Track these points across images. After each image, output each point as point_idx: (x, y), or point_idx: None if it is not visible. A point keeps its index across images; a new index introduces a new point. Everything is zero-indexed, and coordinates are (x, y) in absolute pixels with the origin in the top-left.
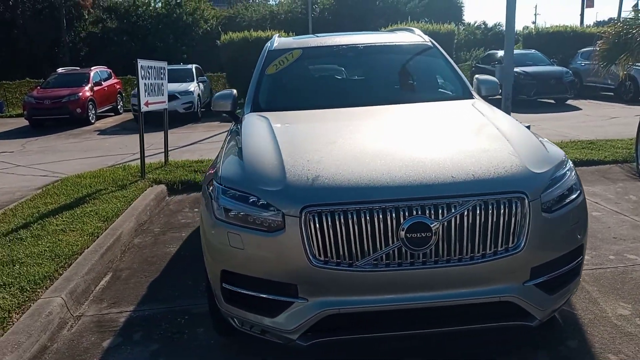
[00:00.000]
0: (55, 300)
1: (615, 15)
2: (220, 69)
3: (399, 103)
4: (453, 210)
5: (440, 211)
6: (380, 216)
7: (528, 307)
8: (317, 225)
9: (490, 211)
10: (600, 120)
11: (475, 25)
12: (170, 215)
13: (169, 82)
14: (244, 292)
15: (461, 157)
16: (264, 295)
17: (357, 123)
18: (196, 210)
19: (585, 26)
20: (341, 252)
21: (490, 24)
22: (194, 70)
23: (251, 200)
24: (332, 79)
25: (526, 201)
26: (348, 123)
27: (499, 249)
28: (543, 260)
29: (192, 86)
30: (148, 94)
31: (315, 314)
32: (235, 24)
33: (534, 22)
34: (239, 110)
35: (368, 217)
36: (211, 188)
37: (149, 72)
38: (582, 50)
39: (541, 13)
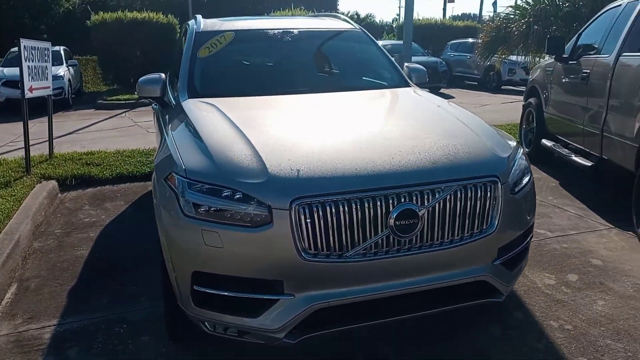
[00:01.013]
0: None
1: (468, 11)
2: (91, 52)
3: (344, 90)
4: (437, 196)
5: (425, 197)
6: (371, 204)
7: (497, 284)
8: (308, 217)
9: (469, 195)
10: (474, 108)
11: (349, 14)
12: (69, 215)
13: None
14: (221, 293)
15: (436, 144)
16: (245, 295)
17: (313, 111)
18: (99, 208)
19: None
20: (331, 244)
21: (362, 15)
22: (62, 52)
23: (225, 193)
24: (272, 64)
25: (499, 184)
26: (305, 111)
27: (475, 231)
28: (508, 240)
29: (62, 70)
30: (32, 78)
31: (303, 309)
32: (103, 2)
33: (398, 15)
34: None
35: (359, 206)
36: (171, 181)
37: (32, 54)
38: (451, 42)
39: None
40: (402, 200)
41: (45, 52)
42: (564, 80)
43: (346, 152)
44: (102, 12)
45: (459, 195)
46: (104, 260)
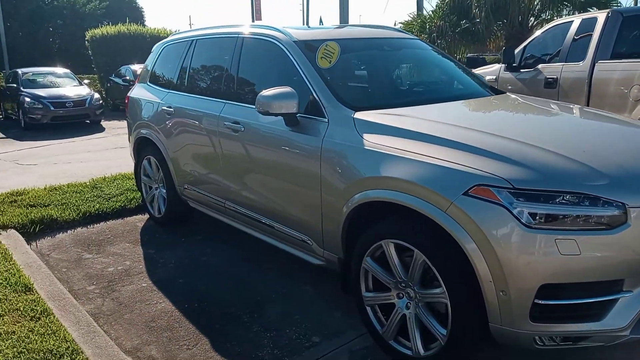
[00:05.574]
0: None
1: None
2: None
3: (473, 97)
4: None
5: None
6: None
7: None
8: None
9: None
10: None
11: (156, 30)
12: (78, 267)
13: None
14: (566, 302)
15: None
16: (590, 300)
17: (504, 115)
18: (107, 254)
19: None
20: None
21: (171, 29)
22: None
23: (561, 198)
24: (400, 73)
25: None
26: (497, 116)
27: None
28: None
29: None
30: None
31: None
32: None
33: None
34: None
35: None
36: (484, 195)
37: None
38: None
39: (195, 23)
40: None
41: None
42: (520, 85)
43: (610, 147)
44: None
45: None
46: (205, 309)
